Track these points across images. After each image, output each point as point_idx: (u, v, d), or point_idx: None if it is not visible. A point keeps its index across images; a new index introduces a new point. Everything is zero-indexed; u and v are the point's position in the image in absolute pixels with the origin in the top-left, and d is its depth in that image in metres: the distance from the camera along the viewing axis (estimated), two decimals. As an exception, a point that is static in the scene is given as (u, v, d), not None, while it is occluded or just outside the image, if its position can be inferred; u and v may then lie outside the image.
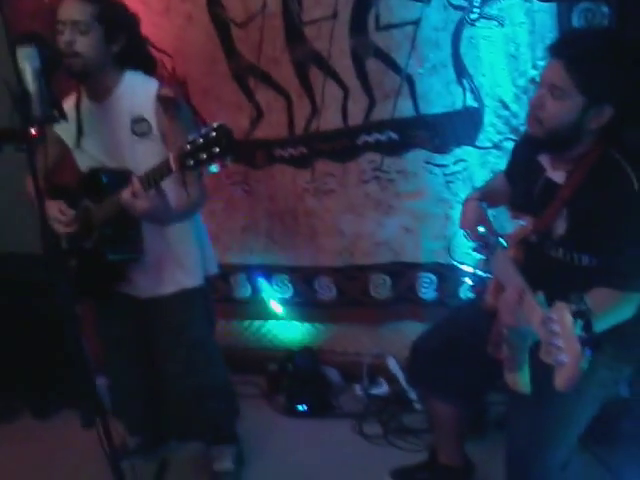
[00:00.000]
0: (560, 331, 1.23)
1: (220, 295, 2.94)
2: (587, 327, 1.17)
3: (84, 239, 1.92)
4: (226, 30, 2.52)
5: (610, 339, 1.45)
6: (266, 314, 2.96)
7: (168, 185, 1.74)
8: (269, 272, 2.89)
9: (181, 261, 2.01)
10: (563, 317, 1.22)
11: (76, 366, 1.64)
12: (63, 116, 1.74)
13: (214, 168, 1.53)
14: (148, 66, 1.99)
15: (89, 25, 1.79)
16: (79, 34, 1.78)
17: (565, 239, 1.57)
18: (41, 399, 2.81)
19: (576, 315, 1.19)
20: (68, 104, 1.96)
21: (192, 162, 1.52)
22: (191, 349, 2.07)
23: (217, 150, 1.49)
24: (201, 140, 1.50)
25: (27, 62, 1.60)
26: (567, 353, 1.22)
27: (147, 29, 2.44)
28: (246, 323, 3.03)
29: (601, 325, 1.38)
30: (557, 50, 1.51)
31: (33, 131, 1.86)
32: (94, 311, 2.20)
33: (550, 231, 1.60)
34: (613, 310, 1.46)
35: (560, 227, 1.58)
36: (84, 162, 1.99)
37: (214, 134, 1.49)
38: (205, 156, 1.50)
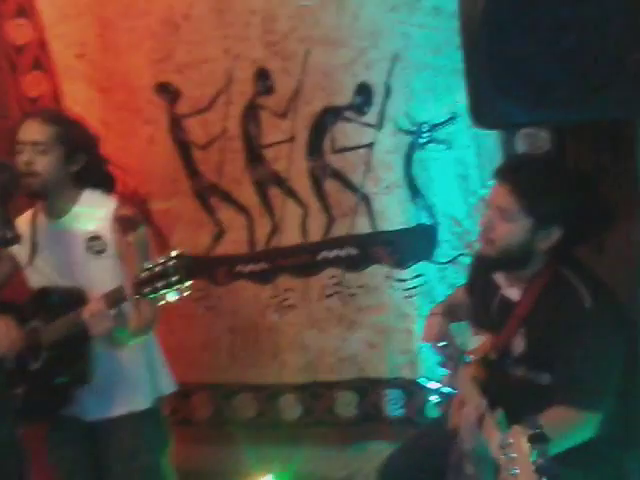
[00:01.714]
0: (517, 458, 1.19)
1: (180, 417, 2.82)
2: (543, 454, 1.14)
3: (31, 360, 1.85)
4: (187, 151, 2.60)
5: (578, 462, 1.42)
6: (228, 438, 2.82)
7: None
8: (231, 391, 2.79)
9: (131, 383, 1.95)
10: (520, 443, 1.19)
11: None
12: (16, 239, 1.73)
13: (173, 296, 1.52)
14: (107, 185, 2.02)
15: (49, 146, 1.83)
16: (38, 154, 1.82)
17: (524, 357, 1.58)
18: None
19: (532, 440, 1.16)
20: (24, 221, 1.96)
21: (148, 290, 1.51)
22: (144, 475, 1.97)
23: (175, 278, 1.48)
24: (157, 268, 1.50)
25: None
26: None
27: (109, 150, 2.54)
28: (206, 448, 2.88)
29: (559, 445, 1.35)
30: (502, 175, 1.59)
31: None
32: (44, 436, 2.07)
33: (509, 349, 1.61)
34: (570, 429, 1.44)
35: (518, 345, 1.59)
36: (36, 280, 1.96)
37: (172, 262, 1.49)
38: (161, 284, 1.49)
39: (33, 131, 1.84)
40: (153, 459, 2.01)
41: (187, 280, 1.54)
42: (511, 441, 1.22)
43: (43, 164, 1.82)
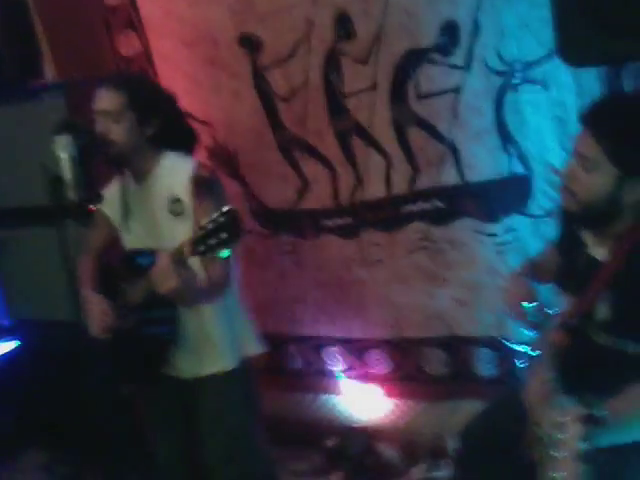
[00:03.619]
0: (563, 439, 1.07)
1: (273, 366, 2.90)
2: (589, 437, 1.01)
3: (124, 320, 1.94)
4: (271, 104, 2.57)
5: None
6: (320, 387, 2.87)
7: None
8: (320, 344, 2.82)
9: (214, 343, 1.97)
10: (571, 424, 1.06)
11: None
12: (99, 200, 1.80)
13: (225, 253, 1.52)
14: (187, 144, 2.01)
15: (120, 113, 1.83)
16: (112, 123, 1.83)
17: (608, 323, 1.41)
18: (104, 466, 2.84)
19: (585, 422, 1.03)
20: (114, 186, 2.04)
21: (203, 248, 1.52)
22: (229, 437, 1.99)
23: (225, 235, 1.47)
24: (210, 226, 1.49)
25: (63, 150, 1.69)
26: (564, 470, 1.05)
27: (198, 106, 2.59)
28: (299, 396, 2.95)
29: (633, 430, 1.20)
30: (587, 119, 1.39)
31: (92, 207, 1.97)
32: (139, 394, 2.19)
33: (592, 314, 1.44)
34: None
35: (602, 310, 1.42)
36: (129, 242, 2.02)
37: (222, 219, 1.48)
38: (214, 242, 1.49)
39: (103, 100, 1.84)
40: (239, 419, 2.01)
41: (237, 236, 1.51)
42: (563, 420, 1.10)
43: (117, 132, 1.83)
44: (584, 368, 1.37)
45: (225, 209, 1.49)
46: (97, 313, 1.91)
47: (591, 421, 1.03)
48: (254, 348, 2.09)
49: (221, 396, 1.99)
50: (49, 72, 3.03)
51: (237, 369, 1.99)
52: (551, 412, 1.23)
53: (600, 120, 1.37)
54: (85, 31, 2.81)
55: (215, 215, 1.50)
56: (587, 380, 1.35)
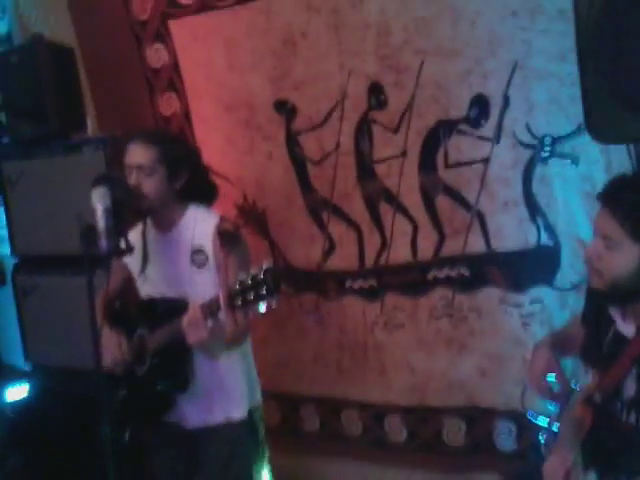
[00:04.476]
0: None
1: (289, 427, 2.85)
2: None
3: (137, 366, 1.96)
4: (303, 167, 2.64)
5: None
6: (333, 451, 2.81)
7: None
8: (337, 406, 2.77)
9: (228, 392, 1.99)
10: None
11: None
12: (129, 250, 1.85)
13: (261, 308, 1.55)
14: (209, 197, 2.09)
15: (152, 168, 1.92)
16: (144, 177, 1.91)
17: (635, 401, 1.37)
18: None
19: None
20: (136, 233, 2.10)
21: (240, 301, 1.55)
22: None
23: (263, 292, 1.51)
24: (249, 281, 1.53)
25: (99, 201, 1.76)
26: None
27: (232, 165, 2.67)
28: (313, 459, 2.88)
29: None
30: (606, 198, 1.41)
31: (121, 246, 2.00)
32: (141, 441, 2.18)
33: (619, 391, 1.41)
34: None
35: (630, 387, 1.39)
36: (146, 290, 2.07)
37: (262, 276, 1.52)
38: (252, 296, 1.52)
39: (137, 154, 1.93)
40: (247, 470, 2.02)
41: (275, 293, 1.55)
42: None
43: (149, 186, 1.91)
44: (608, 447, 1.33)
45: (265, 266, 1.54)
46: (112, 344, 1.93)
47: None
48: (259, 397, 2.11)
49: (232, 445, 1.99)
50: (90, 126, 3.16)
51: (246, 418, 2.00)
52: None
53: (619, 199, 1.38)
54: (128, 89, 2.96)
55: (254, 271, 1.54)
56: (611, 460, 1.32)
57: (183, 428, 2.01)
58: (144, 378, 1.93)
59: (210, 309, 1.71)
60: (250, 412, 2.03)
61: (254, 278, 1.56)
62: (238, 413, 2.00)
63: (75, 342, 2.70)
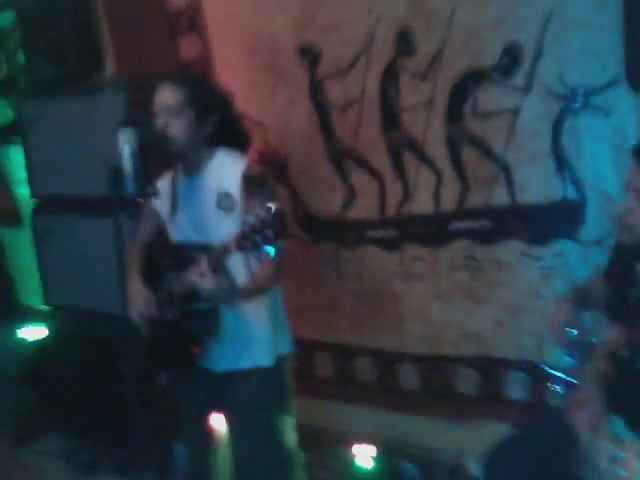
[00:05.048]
0: (626, 477, 1.06)
1: (303, 372, 2.91)
2: None
3: (167, 311, 1.99)
4: (326, 114, 2.61)
5: None
6: (346, 396, 2.87)
7: (234, 265, 1.77)
8: (352, 353, 2.82)
9: (255, 339, 2.01)
10: (632, 460, 1.05)
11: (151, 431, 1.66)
12: (155, 193, 1.85)
13: (270, 250, 1.55)
14: (241, 143, 2.06)
15: (181, 109, 1.89)
16: (172, 118, 1.89)
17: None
18: (122, 457, 2.88)
19: None
20: (165, 178, 2.09)
21: (248, 244, 1.55)
22: (260, 433, 2.03)
23: (270, 233, 1.50)
24: (256, 222, 1.53)
25: (125, 143, 1.74)
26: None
27: (254, 110, 2.63)
28: (326, 404, 2.95)
29: None
30: (638, 152, 1.39)
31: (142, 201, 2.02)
32: (174, 383, 2.23)
33: (645, 345, 1.43)
34: None
35: (657, 342, 1.41)
36: (175, 235, 2.08)
37: (268, 217, 1.51)
38: (259, 238, 1.52)
39: (166, 95, 1.90)
40: (272, 417, 2.04)
41: (282, 235, 1.54)
42: (623, 456, 1.09)
43: (177, 127, 1.88)
44: (630, 402, 1.35)
45: (271, 206, 1.52)
46: (139, 299, 1.96)
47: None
48: (288, 347, 2.12)
49: (255, 392, 2.02)
50: (109, 68, 3.12)
51: (273, 367, 2.03)
52: (608, 446, 1.22)
53: None
54: (148, 31, 2.89)
55: (261, 212, 1.53)
56: (636, 408, 1.34)
57: (213, 371, 2.04)
58: (175, 322, 1.95)
59: (217, 257, 1.70)
60: (277, 361, 2.04)
61: (262, 220, 1.55)
62: (264, 360, 2.02)
63: (96, 285, 2.74)
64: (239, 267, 1.84)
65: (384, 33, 2.38)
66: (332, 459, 2.75)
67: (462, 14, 2.21)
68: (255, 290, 1.94)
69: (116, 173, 1.75)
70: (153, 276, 2.04)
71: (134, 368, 1.95)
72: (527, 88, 2.17)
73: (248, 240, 1.55)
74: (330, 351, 2.89)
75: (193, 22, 2.78)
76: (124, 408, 2.78)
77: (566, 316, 1.69)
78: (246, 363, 2.02)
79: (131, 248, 2.12)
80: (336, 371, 2.90)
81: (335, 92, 2.56)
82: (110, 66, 3.10)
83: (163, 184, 2.06)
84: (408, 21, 2.32)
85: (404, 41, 2.35)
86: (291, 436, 2.12)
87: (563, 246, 2.23)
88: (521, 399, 2.43)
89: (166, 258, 2.03)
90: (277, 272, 1.94)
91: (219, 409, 2.14)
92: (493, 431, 2.33)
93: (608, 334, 1.58)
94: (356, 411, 2.85)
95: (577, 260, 2.21)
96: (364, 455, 2.69)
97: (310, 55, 2.56)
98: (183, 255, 1.93)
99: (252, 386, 2.02)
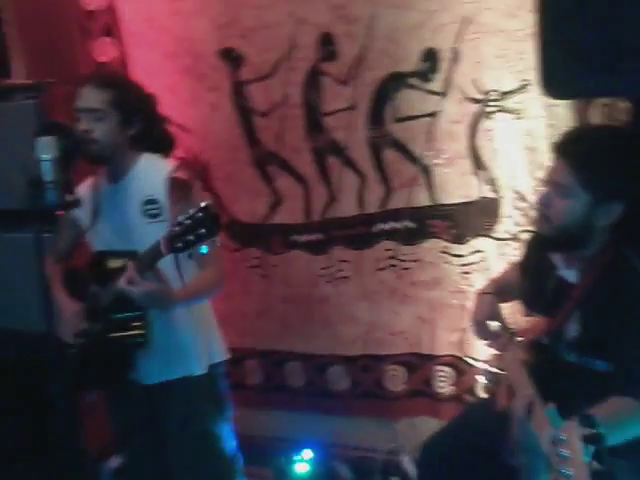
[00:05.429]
0: (570, 457, 1.12)
1: (232, 381, 2.86)
2: (599, 455, 1.06)
3: (92, 324, 1.90)
4: (248, 119, 2.59)
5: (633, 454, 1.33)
6: (278, 403, 2.86)
7: (166, 268, 1.73)
8: (281, 359, 2.81)
9: (185, 347, 1.95)
10: (574, 441, 1.11)
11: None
12: (77, 203, 1.76)
13: (204, 249, 1.52)
14: (165, 147, 2.01)
15: (105, 112, 1.82)
16: (96, 121, 1.81)
17: (578, 342, 1.49)
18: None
19: (587, 440, 1.08)
20: (86, 186, 2.00)
21: (180, 244, 1.51)
22: (196, 442, 1.98)
23: (203, 231, 1.48)
24: (188, 221, 1.50)
25: (46, 152, 1.64)
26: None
27: (173, 116, 2.57)
28: (256, 411, 2.92)
29: (617, 437, 1.27)
30: (560, 149, 1.49)
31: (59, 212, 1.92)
32: (104, 399, 2.15)
33: (562, 333, 1.52)
34: (629, 422, 1.34)
35: (572, 329, 1.50)
36: (97, 244, 1.99)
37: (200, 215, 1.48)
38: (192, 237, 1.49)
39: (89, 98, 1.83)
40: (208, 426, 2.00)
41: (215, 232, 1.52)
42: (564, 438, 1.15)
43: (101, 131, 1.81)
44: (553, 386, 1.43)
45: (203, 204, 1.50)
46: (70, 317, 1.86)
47: (591, 438, 1.08)
48: (221, 354, 2.08)
49: (190, 401, 1.97)
50: (17, 73, 2.95)
51: (205, 374, 1.98)
52: (548, 428, 1.27)
53: (573, 150, 1.46)
54: (59, 34, 2.77)
55: (192, 211, 1.50)
56: (560, 394, 1.41)
57: (140, 385, 1.97)
58: (100, 336, 1.87)
59: (146, 261, 1.65)
60: (210, 368, 1.99)
61: (192, 217, 1.51)
62: (195, 369, 1.97)
63: (17, 302, 2.57)
64: (172, 270, 1.78)
65: (306, 38, 2.40)
66: (268, 467, 2.72)
67: (381, 20, 2.27)
68: (204, 292, 1.90)
69: (35, 184, 1.64)
70: (77, 288, 1.95)
71: (60, 390, 1.84)
72: (444, 92, 2.25)
73: (180, 241, 1.51)
74: (259, 358, 2.86)
75: (108, 24, 2.70)
76: (49, 431, 2.65)
77: (486, 309, 1.75)
78: (178, 372, 1.96)
79: (48, 261, 2.02)
80: (265, 378, 2.88)
81: (258, 97, 2.55)
82: (17, 70, 2.94)
83: (84, 191, 1.97)
84: (329, 26, 2.36)
85: (326, 46, 2.38)
86: (230, 443, 2.08)
87: (481, 243, 2.33)
88: (448, 393, 2.50)
89: (89, 269, 1.94)
90: (222, 271, 1.91)
91: (154, 422, 2.07)
92: (425, 427, 2.40)
93: (526, 323, 1.66)
94: (289, 417, 2.84)
95: (494, 256, 2.32)
96: (300, 460, 2.68)
97: (231, 59, 2.55)
98: (107, 264, 1.85)
99: (186, 396, 1.97)
